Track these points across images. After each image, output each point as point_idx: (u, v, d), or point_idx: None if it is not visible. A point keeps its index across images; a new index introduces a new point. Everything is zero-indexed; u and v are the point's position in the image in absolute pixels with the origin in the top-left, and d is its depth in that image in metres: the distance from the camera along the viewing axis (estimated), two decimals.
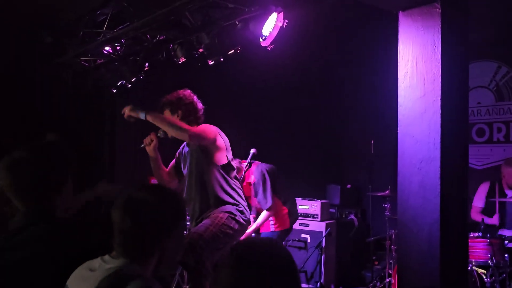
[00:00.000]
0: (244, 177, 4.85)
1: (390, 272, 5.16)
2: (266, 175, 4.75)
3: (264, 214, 4.75)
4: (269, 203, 4.69)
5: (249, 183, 4.87)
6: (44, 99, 4.99)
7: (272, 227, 4.85)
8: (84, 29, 4.29)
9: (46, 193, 1.89)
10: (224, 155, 3.46)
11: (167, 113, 3.46)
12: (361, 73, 7.04)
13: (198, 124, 3.48)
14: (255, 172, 4.80)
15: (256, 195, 4.77)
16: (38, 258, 1.75)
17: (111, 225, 1.68)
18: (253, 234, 4.72)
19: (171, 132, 3.23)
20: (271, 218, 4.85)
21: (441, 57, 3.03)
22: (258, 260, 1.31)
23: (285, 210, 4.92)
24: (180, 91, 3.51)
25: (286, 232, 4.96)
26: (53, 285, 1.74)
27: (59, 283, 1.71)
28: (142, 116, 3.21)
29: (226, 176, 3.47)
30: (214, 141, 3.37)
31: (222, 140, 3.47)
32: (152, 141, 3.46)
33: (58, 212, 1.94)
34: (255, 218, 4.83)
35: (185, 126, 3.22)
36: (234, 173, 3.59)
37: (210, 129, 3.37)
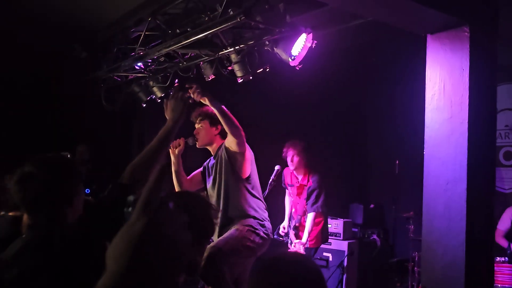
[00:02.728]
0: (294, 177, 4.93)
1: None
2: (322, 184, 4.81)
3: (310, 216, 4.74)
4: (318, 208, 4.72)
5: (303, 185, 4.90)
6: (76, 112, 5.14)
7: (307, 243, 4.85)
8: (118, 46, 4.43)
9: (56, 206, 1.90)
10: (249, 167, 3.55)
11: (205, 124, 3.59)
12: (388, 93, 7.03)
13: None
14: (313, 176, 4.86)
15: (308, 199, 4.80)
16: (44, 270, 1.75)
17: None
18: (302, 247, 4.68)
19: (227, 124, 3.31)
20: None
21: (469, 80, 3.05)
22: (284, 278, 1.30)
23: (320, 226, 4.92)
24: None
25: (317, 249, 4.99)
26: None
27: None
28: (207, 101, 3.29)
29: (249, 188, 3.53)
30: (245, 150, 3.48)
31: (249, 152, 3.56)
32: (179, 145, 3.58)
33: (68, 222, 1.94)
34: (296, 235, 4.81)
35: (238, 124, 3.31)
36: (258, 185, 3.65)
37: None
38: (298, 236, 4.80)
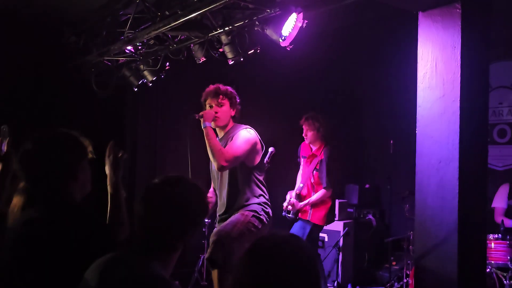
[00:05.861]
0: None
1: (408, 272, 5.14)
2: (331, 159, 4.78)
3: (321, 191, 4.73)
4: (328, 183, 4.71)
5: (315, 155, 4.84)
6: (67, 97, 5.08)
7: (309, 215, 4.76)
8: (107, 29, 4.37)
9: (61, 182, 1.91)
10: (259, 157, 3.60)
11: (227, 104, 3.58)
12: (380, 72, 7.00)
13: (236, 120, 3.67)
14: (326, 148, 4.82)
15: (321, 171, 4.77)
16: (51, 245, 1.77)
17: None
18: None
19: (209, 152, 3.41)
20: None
21: (461, 57, 3.02)
22: (275, 256, 1.29)
23: (328, 204, 4.83)
24: (233, 90, 3.65)
25: (318, 227, 4.85)
26: (65, 277, 1.75)
27: (71, 274, 1.73)
28: (203, 125, 3.43)
29: (257, 176, 3.59)
30: (249, 152, 3.49)
31: (260, 145, 3.60)
32: None
33: (75, 199, 1.95)
34: (298, 195, 4.77)
35: (221, 159, 3.35)
36: (264, 173, 3.70)
37: (245, 146, 3.46)
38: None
